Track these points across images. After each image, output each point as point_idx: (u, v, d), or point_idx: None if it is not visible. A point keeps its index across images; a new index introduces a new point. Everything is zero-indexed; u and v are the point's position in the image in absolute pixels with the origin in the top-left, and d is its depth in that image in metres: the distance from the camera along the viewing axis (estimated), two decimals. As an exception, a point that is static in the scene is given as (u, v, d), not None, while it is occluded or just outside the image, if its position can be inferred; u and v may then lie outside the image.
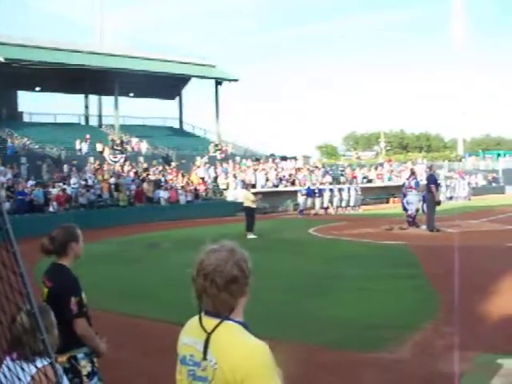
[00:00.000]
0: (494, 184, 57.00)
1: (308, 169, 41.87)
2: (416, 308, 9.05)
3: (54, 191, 27.39)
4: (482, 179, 55.71)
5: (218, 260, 2.14)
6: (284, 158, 44.60)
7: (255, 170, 38.29)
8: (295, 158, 45.27)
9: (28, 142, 35.90)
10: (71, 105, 61.02)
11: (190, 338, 2.22)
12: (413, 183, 22.56)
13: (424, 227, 20.66)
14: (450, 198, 42.75)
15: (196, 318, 2.21)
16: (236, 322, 2.13)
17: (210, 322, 2.13)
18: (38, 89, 45.01)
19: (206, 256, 2.17)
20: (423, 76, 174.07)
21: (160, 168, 35.83)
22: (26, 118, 43.90)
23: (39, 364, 2.39)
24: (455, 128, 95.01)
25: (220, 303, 2.12)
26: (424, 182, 22.57)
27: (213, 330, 2.11)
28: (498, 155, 71.50)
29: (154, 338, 7.81)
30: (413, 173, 24.13)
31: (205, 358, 2.11)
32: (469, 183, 47.55)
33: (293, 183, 38.66)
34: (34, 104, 54.92)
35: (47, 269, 4.08)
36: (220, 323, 2.11)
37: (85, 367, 3.90)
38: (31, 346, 2.49)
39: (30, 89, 44.69)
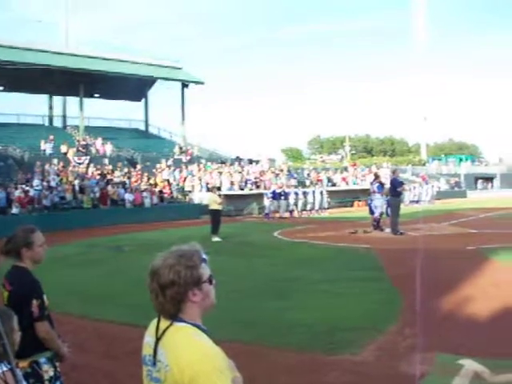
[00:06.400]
0: (456, 188, 57.95)
1: (273, 172, 41.99)
2: (379, 310, 9.13)
3: (17, 193, 26.96)
4: (444, 183, 56.62)
5: (161, 264, 2.18)
6: (249, 161, 44.69)
7: (220, 173, 38.29)
8: (259, 162, 45.40)
9: (-10, 143, 35.34)
10: (35, 105, 60.26)
11: (149, 337, 2.25)
12: (375, 187, 22.77)
13: (388, 230, 20.87)
14: (417, 202, 43.27)
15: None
16: (190, 323, 2.15)
17: (164, 324, 2.17)
18: (0, 88, 44.32)
19: (156, 259, 2.22)
20: (388, 81, 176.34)
21: (125, 170, 35.59)
22: (-13, 119, 43.16)
23: (-1, 370, 2.35)
24: (419, 133, 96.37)
25: (158, 306, 2.18)
26: (388, 185, 22.80)
27: (162, 333, 2.15)
28: (460, 160, 72.87)
29: (118, 340, 7.74)
30: (376, 176, 24.35)
31: (155, 360, 2.14)
32: (432, 187, 48.19)
33: (258, 186, 38.73)
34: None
35: (7, 272, 4.00)
36: (170, 326, 2.15)
37: (47, 372, 3.85)
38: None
39: (-8, 88, 44.01)
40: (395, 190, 20.69)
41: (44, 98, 48.14)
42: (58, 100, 48.57)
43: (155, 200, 33.10)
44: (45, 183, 29.48)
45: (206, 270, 2.22)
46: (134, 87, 47.23)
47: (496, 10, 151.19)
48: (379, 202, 22.27)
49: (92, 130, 42.67)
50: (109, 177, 33.70)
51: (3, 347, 1.86)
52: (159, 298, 2.15)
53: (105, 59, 43.44)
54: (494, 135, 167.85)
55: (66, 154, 36.26)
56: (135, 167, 37.08)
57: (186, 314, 2.16)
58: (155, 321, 2.23)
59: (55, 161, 33.57)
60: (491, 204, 38.37)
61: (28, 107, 68.13)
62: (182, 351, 2.06)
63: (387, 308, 9.22)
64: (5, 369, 2.29)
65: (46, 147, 36.44)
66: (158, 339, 2.15)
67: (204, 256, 2.25)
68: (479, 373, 5.87)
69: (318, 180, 43.08)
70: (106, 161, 36.76)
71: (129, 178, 34.41)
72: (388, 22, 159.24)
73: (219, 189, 29.19)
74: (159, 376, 2.13)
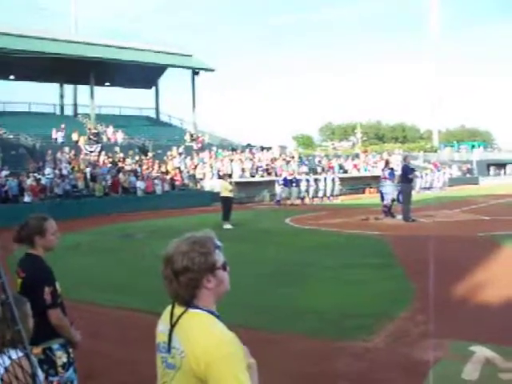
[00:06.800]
0: (468, 175, 57.67)
1: (284, 159, 41.94)
2: (391, 297, 9.13)
3: (29, 181, 27.10)
4: (456, 170, 56.33)
5: (175, 250, 2.18)
6: (261, 148, 44.65)
7: (231, 160, 38.28)
8: (271, 149, 45.35)
9: (2, 132, 35.47)
10: (46, 94, 60.47)
11: (163, 324, 2.26)
12: (387, 173, 22.67)
13: (400, 217, 20.83)
14: (428, 189, 43.13)
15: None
16: (205, 310, 2.16)
17: (179, 311, 2.17)
18: (11, 77, 44.41)
19: (170, 245, 2.22)
20: (399, 67, 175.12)
21: (136, 158, 35.65)
22: (-1, 107, 43.30)
23: (14, 355, 2.37)
24: (430, 119, 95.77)
25: (172, 292, 2.18)
26: (399, 172, 22.72)
27: (177, 320, 2.15)
28: (473, 146, 72.41)
29: (130, 327, 7.80)
30: (387, 163, 24.27)
31: (170, 347, 2.15)
32: (444, 174, 48.01)
33: (269, 173, 38.71)
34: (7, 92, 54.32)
35: (20, 259, 4.04)
36: (184, 312, 2.15)
37: (60, 358, 3.88)
38: (4, 336, 2.47)
39: (3, 77, 44.06)
40: (406, 176, 20.61)
41: (55, 86, 48.26)
42: (68, 88, 48.67)
43: (166, 187, 33.18)
44: (56, 171, 29.61)
45: (220, 257, 2.22)
46: (144, 75, 47.19)
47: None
48: (390, 189, 22.20)
49: (103, 118, 42.76)
50: (120, 165, 33.79)
51: (18, 333, 1.88)
52: (173, 285, 2.15)
53: (115, 47, 43.38)
54: (506, 122, 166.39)
55: (77, 142, 36.36)
56: (146, 155, 37.13)
57: (201, 300, 2.17)
58: (169, 308, 2.24)
59: (67, 149, 33.64)
60: (503, 191, 38.16)
61: (39, 96, 68.24)
62: (198, 338, 2.06)
63: (399, 295, 9.23)
64: (20, 354, 2.30)
65: (58, 136, 36.53)
66: (172, 326, 2.16)
67: (218, 243, 2.25)
68: (490, 359, 5.88)
69: (330, 167, 42.96)
70: (118, 149, 36.81)
71: (140, 165, 34.48)
72: (401, 5, 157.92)
73: (230, 176, 29.18)
74: (174, 362, 2.14)
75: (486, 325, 7.28)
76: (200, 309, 2.16)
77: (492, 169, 65.52)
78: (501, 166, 67.33)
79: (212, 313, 2.17)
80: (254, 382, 2.16)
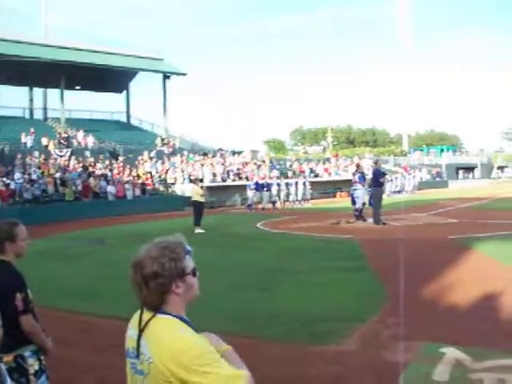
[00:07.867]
0: (437, 178, 58.40)
1: (255, 163, 41.99)
2: (362, 300, 9.18)
3: (-3, 186, 26.76)
4: (426, 174, 56.98)
5: (145, 255, 2.17)
6: (232, 153, 44.68)
7: (202, 165, 38.24)
8: (242, 153, 45.41)
9: (-30, 136, 34.97)
10: (15, 97, 59.63)
11: (132, 330, 2.24)
12: (357, 177, 22.84)
13: (370, 221, 20.97)
14: (399, 192, 43.52)
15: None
16: (173, 315, 2.15)
17: (148, 316, 2.17)
18: (-21, 81, 43.84)
19: (140, 250, 2.21)
20: (370, 72, 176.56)
21: (107, 162, 35.40)
22: (-33, 111, 42.67)
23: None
24: (400, 123, 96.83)
25: (141, 298, 2.18)
26: (370, 176, 22.90)
27: (145, 326, 2.14)
28: (442, 150, 73.38)
29: (102, 333, 7.73)
30: (358, 167, 24.46)
31: (139, 353, 2.14)
32: (414, 177, 48.50)
33: (240, 177, 38.73)
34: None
35: (-10, 266, 3.98)
36: (152, 318, 2.14)
37: (32, 366, 3.82)
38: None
39: (-29, 81, 43.47)
40: (377, 180, 20.78)
41: (24, 90, 47.69)
42: (38, 92, 48.16)
43: (137, 192, 33.01)
44: (26, 176, 29.28)
45: (189, 262, 2.22)
46: (115, 79, 46.95)
47: (478, 5, 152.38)
48: (361, 193, 22.36)
49: (73, 123, 42.40)
50: (91, 169, 33.52)
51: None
52: (143, 290, 2.15)
53: (86, 51, 43.08)
54: (474, 126, 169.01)
55: (47, 146, 36.00)
56: (117, 159, 36.89)
57: (170, 305, 2.16)
58: (138, 313, 2.23)
59: (36, 153, 33.32)
60: (472, 194, 38.68)
61: (8, 99, 67.35)
62: (167, 342, 2.06)
63: (370, 298, 9.27)
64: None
65: (27, 140, 36.15)
66: (141, 331, 2.15)
67: (188, 248, 2.25)
68: (461, 360, 5.94)
69: (301, 171, 43.16)
70: (88, 153, 36.54)
71: (111, 170, 34.25)
72: (372, 11, 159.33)
73: (201, 180, 29.15)
74: (142, 368, 2.13)
75: (456, 326, 7.36)
76: (169, 314, 2.15)
77: (461, 172, 66.52)
78: (469, 169, 68.37)
79: (181, 318, 2.17)
80: (238, 363, 2.19)
